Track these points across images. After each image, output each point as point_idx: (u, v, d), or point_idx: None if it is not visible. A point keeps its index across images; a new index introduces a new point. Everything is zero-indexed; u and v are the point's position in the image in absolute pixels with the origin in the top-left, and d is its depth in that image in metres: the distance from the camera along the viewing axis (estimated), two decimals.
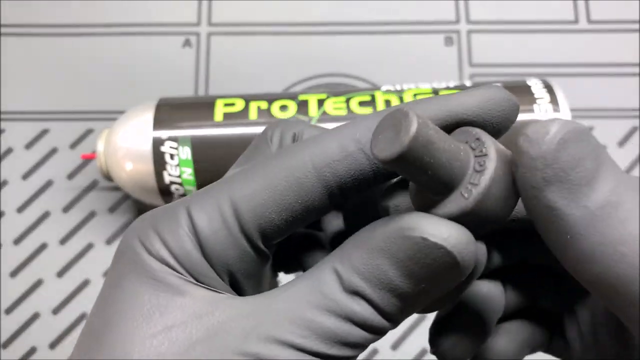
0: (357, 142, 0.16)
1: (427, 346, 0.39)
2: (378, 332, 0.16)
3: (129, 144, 0.36)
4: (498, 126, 0.16)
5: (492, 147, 0.15)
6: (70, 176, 0.42)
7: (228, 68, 0.45)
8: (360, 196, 0.18)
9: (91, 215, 0.42)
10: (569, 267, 0.15)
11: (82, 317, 0.40)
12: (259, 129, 0.36)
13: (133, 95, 0.43)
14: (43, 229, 0.41)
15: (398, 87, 0.38)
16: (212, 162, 0.36)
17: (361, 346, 0.16)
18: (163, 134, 0.36)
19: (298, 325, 0.15)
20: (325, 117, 0.36)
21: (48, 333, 0.39)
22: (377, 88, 0.38)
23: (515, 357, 0.21)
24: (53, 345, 0.39)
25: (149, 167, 0.36)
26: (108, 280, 0.17)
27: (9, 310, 0.40)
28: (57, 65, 0.44)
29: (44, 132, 0.43)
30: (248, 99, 0.37)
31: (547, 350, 0.22)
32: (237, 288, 0.17)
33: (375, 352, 0.39)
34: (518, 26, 0.45)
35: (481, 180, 0.15)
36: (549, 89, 0.37)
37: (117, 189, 0.42)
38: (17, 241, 0.41)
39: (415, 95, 0.37)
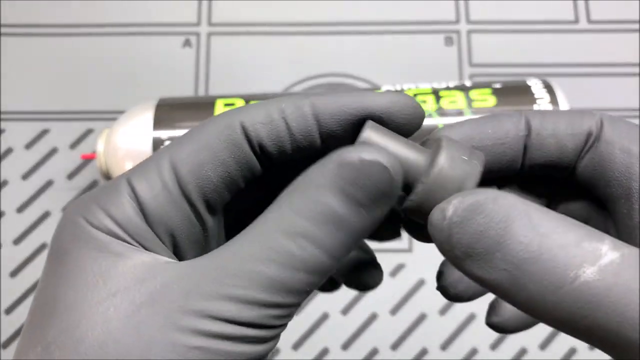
0: (281, 111, 0.18)
1: (427, 346, 0.40)
2: (321, 272, 0.16)
3: (129, 144, 0.36)
4: (403, 127, 0.18)
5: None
6: (70, 176, 0.42)
7: (228, 68, 0.45)
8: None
9: None
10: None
11: None
12: None
13: (133, 95, 0.43)
14: (43, 229, 0.41)
15: (398, 87, 0.38)
16: None
17: (305, 292, 0.16)
18: (163, 134, 0.36)
19: (240, 277, 0.16)
20: None
21: None
22: (377, 88, 0.38)
23: (527, 321, 0.22)
24: None
25: None
26: (51, 256, 0.17)
27: (8, 310, 0.40)
28: (57, 65, 0.44)
29: (44, 132, 0.43)
30: (248, 99, 0.37)
31: None
32: (182, 253, 0.18)
33: (375, 352, 0.39)
34: (518, 26, 0.45)
35: None
36: (549, 89, 0.37)
37: None
38: (17, 241, 0.41)
39: (415, 95, 0.37)
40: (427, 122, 0.34)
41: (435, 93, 0.37)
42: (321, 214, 0.16)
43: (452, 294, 0.21)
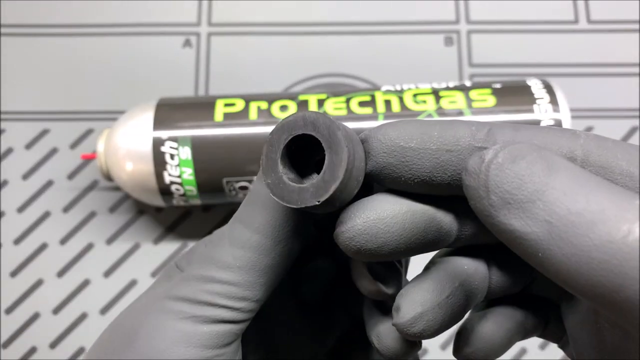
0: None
1: (427, 346, 0.40)
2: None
3: (129, 144, 0.36)
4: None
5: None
6: (71, 176, 0.42)
7: (228, 68, 0.45)
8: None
9: (91, 215, 0.42)
10: (558, 283, 0.14)
11: (82, 317, 0.40)
12: (259, 129, 0.36)
13: (133, 95, 0.43)
14: (43, 229, 0.41)
15: (398, 87, 0.38)
16: (212, 162, 0.36)
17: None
18: (163, 134, 0.36)
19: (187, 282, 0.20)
20: None
21: (48, 333, 0.39)
22: (377, 88, 0.38)
23: (503, 343, 0.19)
24: (53, 345, 0.39)
25: (149, 167, 0.36)
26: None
27: (9, 310, 0.40)
28: (57, 65, 0.44)
29: (44, 132, 0.43)
30: (248, 99, 0.37)
31: (542, 335, 0.21)
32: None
33: None
34: (518, 26, 0.45)
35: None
36: (549, 89, 0.37)
37: (117, 189, 0.42)
38: (17, 241, 0.41)
39: (415, 95, 0.37)
40: None
41: (435, 93, 0.37)
42: (249, 196, 0.20)
43: (410, 333, 0.17)
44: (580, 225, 0.13)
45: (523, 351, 0.39)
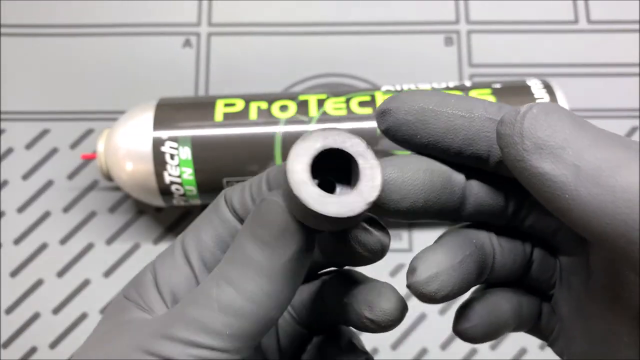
0: (249, 182, 0.21)
1: (427, 346, 0.40)
2: (238, 314, 0.18)
3: (129, 144, 0.36)
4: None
5: None
6: (71, 176, 0.42)
7: (228, 68, 0.45)
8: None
9: (91, 215, 0.42)
10: (577, 228, 0.15)
11: (82, 317, 0.40)
12: (259, 129, 0.36)
13: (133, 96, 0.43)
14: (43, 229, 0.41)
15: (398, 87, 0.38)
16: (212, 162, 0.36)
17: (227, 335, 0.18)
18: (163, 134, 0.36)
19: (175, 320, 0.18)
20: (325, 117, 0.36)
21: (48, 333, 0.39)
22: (377, 88, 0.38)
23: (500, 323, 0.20)
24: (53, 345, 0.39)
25: (149, 167, 0.36)
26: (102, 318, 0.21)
27: (9, 310, 0.40)
28: (58, 65, 0.45)
29: (45, 132, 0.43)
30: (248, 99, 0.37)
31: (533, 329, 0.22)
32: None
33: (375, 351, 0.39)
34: (518, 26, 0.45)
35: None
36: (549, 89, 0.37)
37: (117, 189, 0.42)
38: (17, 241, 0.41)
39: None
40: None
41: None
42: (236, 254, 0.18)
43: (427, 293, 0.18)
44: (607, 169, 0.15)
45: (523, 351, 0.39)
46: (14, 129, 0.43)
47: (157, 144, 0.36)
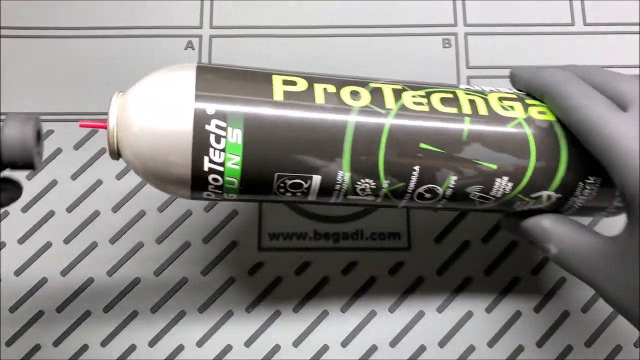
0: None
1: (425, 344, 0.40)
2: None
3: (158, 116, 0.27)
4: None
5: None
6: (74, 176, 0.43)
7: None
8: None
9: (95, 214, 0.42)
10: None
11: (86, 315, 0.40)
12: (327, 116, 0.28)
13: None
14: (47, 229, 0.42)
15: (477, 87, 0.34)
16: (265, 151, 0.28)
17: None
18: (209, 107, 0.27)
19: None
20: (404, 112, 0.29)
21: (51, 331, 0.40)
22: (456, 86, 0.33)
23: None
24: (57, 343, 0.40)
25: (185, 149, 0.27)
26: None
27: (12, 309, 0.40)
28: (59, 67, 0.45)
29: (47, 132, 0.43)
30: (310, 79, 0.30)
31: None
32: None
33: (374, 349, 0.40)
34: (515, 29, 0.46)
35: None
36: None
37: (122, 184, 0.42)
38: (21, 240, 0.41)
39: (500, 99, 0.32)
40: None
41: (521, 100, 0.32)
42: None
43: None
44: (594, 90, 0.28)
45: (520, 349, 0.40)
46: None
47: (201, 120, 0.27)
